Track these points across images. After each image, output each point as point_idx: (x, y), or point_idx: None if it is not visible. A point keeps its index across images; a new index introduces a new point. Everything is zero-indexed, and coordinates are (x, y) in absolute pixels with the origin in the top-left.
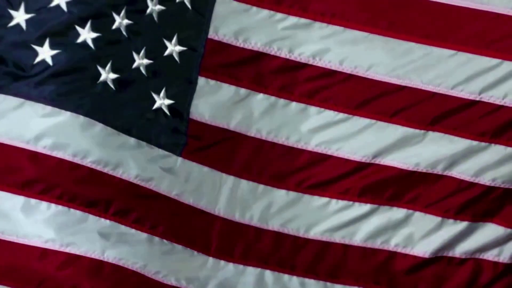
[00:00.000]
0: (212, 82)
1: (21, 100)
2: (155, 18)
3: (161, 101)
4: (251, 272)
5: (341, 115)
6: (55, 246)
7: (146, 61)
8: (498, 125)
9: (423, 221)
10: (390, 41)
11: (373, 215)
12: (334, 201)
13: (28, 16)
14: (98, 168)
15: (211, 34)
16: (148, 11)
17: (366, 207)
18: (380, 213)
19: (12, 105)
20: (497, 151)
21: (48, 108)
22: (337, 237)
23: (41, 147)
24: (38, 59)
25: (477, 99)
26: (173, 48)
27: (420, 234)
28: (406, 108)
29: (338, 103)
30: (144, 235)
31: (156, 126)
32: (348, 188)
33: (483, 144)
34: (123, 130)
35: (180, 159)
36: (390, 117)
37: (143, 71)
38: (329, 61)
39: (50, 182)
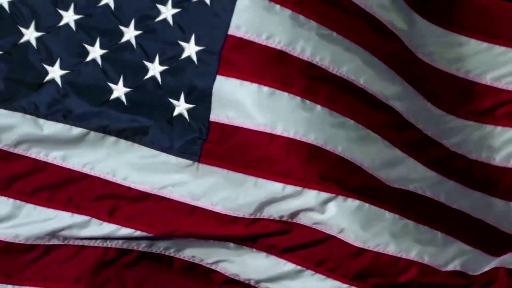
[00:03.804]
0: (232, 79)
1: None
2: (170, 22)
3: (181, 107)
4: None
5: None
6: None
7: (160, 68)
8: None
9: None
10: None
11: None
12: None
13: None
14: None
15: (232, 31)
16: (161, 17)
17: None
18: None
19: None
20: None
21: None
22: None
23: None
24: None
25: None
26: (191, 49)
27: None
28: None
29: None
30: None
31: (174, 135)
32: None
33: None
34: (143, 143)
35: (197, 164)
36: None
37: (159, 79)
38: (346, 72)
39: None
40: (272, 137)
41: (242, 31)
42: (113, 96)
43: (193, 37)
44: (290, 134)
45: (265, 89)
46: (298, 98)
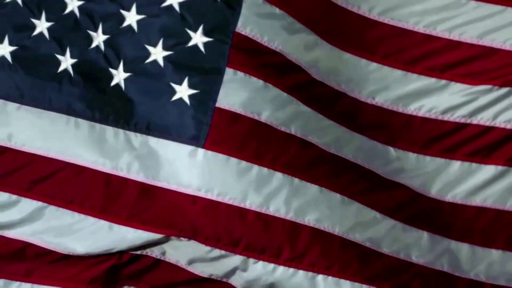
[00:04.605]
0: (240, 73)
1: None
2: (177, 9)
3: (183, 92)
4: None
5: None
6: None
7: (164, 53)
8: (488, 145)
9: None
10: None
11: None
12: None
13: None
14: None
15: (239, 28)
16: (167, 3)
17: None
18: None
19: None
20: (487, 171)
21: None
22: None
23: None
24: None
25: (468, 122)
26: (198, 38)
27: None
28: (399, 133)
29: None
30: None
31: (175, 118)
32: None
33: (474, 165)
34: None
35: (202, 150)
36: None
37: (161, 63)
38: (329, 81)
39: None
40: (276, 131)
41: (248, 30)
42: (113, 83)
43: (201, 28)
44: (292, 131)
45: (270, 86)
46: (294, 100)
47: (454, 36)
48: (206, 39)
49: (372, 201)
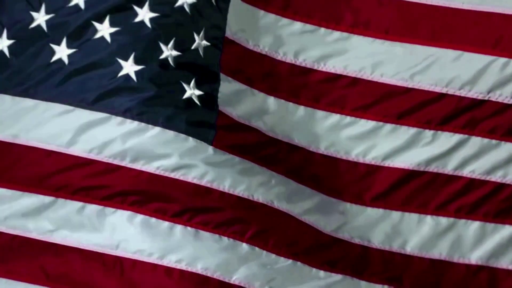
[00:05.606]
0: (231, 79)
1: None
2: (187, 10)
3: (192, 91)
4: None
5: (348, 119)
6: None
7: (174, 53)
8: (507, 123)
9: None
10: (394, 44)
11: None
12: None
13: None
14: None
15: (228, 33)
16: (179, 2)
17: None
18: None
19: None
20: (507, 148)
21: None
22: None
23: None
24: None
25: (486, 98)
26: (199, 42)
27: (432, 238)
28: (414, 110)
29: (344, 106)
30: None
31: (186, 115)
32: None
33: (493, 141)
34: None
35: (211, 148)
36: (397, 119)
37: (171, 63)
38: (333, 66)
39: None
40: (264, 136)
41: (235, 34)
42: (121, 73)
43: (202, 31)
44: (278, 136)
45: (256, 91)
46: (282, 101)
47: (469, 6)
48: (205, 43)
49: (363, 198)
